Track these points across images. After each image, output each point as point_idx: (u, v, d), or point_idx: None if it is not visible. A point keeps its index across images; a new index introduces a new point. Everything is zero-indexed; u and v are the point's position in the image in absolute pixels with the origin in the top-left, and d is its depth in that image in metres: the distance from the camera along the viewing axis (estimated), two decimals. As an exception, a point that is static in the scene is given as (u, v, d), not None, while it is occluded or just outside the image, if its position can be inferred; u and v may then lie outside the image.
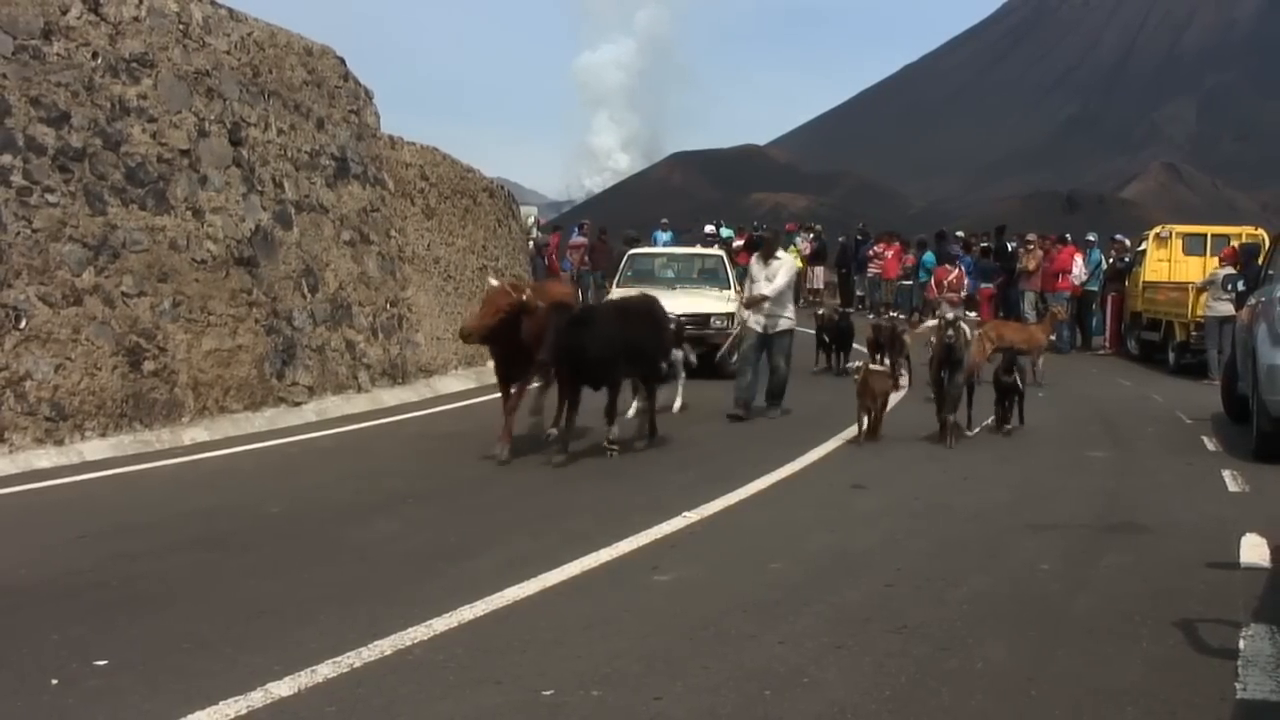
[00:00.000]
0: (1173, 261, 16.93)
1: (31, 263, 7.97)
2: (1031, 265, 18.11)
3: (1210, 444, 9.41)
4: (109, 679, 3.76)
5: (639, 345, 8.32)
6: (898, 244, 23.10)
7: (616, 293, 14.59)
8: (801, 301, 25.59)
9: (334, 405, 10.70)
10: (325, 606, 4.56)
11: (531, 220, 21.15)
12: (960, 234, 22.26)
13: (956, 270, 16.27)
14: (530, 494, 6.97)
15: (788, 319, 10.31)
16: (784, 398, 10.31)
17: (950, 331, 8.81)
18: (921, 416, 9.68)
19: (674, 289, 14.77)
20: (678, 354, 9.59)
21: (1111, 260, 18.54)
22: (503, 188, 17.92)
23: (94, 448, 8.07)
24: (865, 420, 8.85)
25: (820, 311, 14.88)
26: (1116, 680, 3.87)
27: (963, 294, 15.82)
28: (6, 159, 7.91)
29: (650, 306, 8.94)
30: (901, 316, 13.27)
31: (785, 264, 10.29)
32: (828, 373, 14.06)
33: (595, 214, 50.05)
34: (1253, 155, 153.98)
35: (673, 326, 9.82)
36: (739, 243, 25.09)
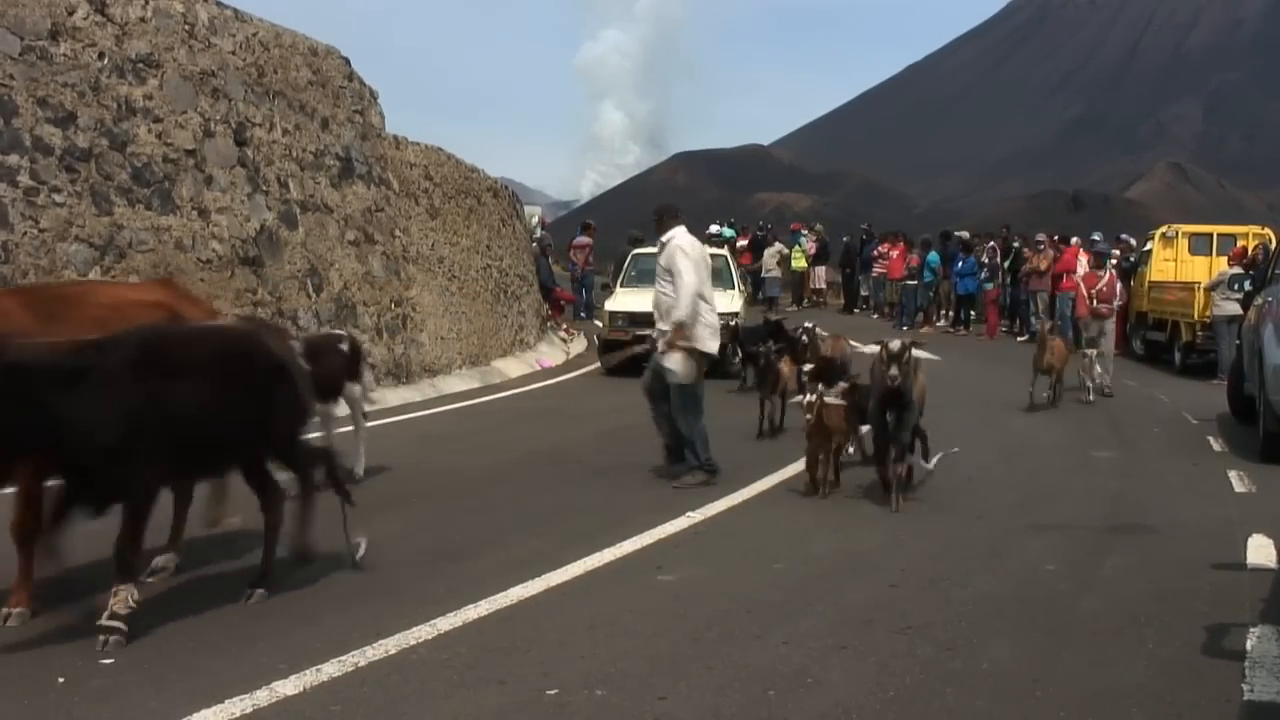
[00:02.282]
0: (1179, 261, 16.88)
1: (38, 262, 7.99)
2: (1043, 266, 18.06)
3: (1216, 444, 9.38)
4: (115, 677, 3.77)
5: (208, 421, 4.29)
6: (902, 244, 23.07)
7: (620, 293, 14.61)
8: (805, 302, 25.65)
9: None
10: (330, 606, 4.56)
11: (535, 220, 21.15)
12: (964, 235, 22.14)
13: (1108, 275, 13.45)
14: (534, 494, 6.96)
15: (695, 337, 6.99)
16: (701, 454, 7.11)
17: (894, 371, 6.38)
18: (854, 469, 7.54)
19: None
20: (355, 388, 6.96)
21: (1116, 260, 18.49)
22: (507, 188, 17.93)
23: (100, 447, 8.08)
24: (821, 467, 6.87)
25: (730, 323, 11.33)
26: (1122, 681, 3.86)
27: (1116, 304, 13.38)
28: (14, 159, 7.93)
29: (245, 344, 4.69)
30: (819, 331, 9.82)
31: (683, 250, 7.01)
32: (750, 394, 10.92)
33: (599, 213, 50.09)
34: (1259, 155, 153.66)
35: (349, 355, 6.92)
36: (742, 243, 25.11)
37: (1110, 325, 13.18)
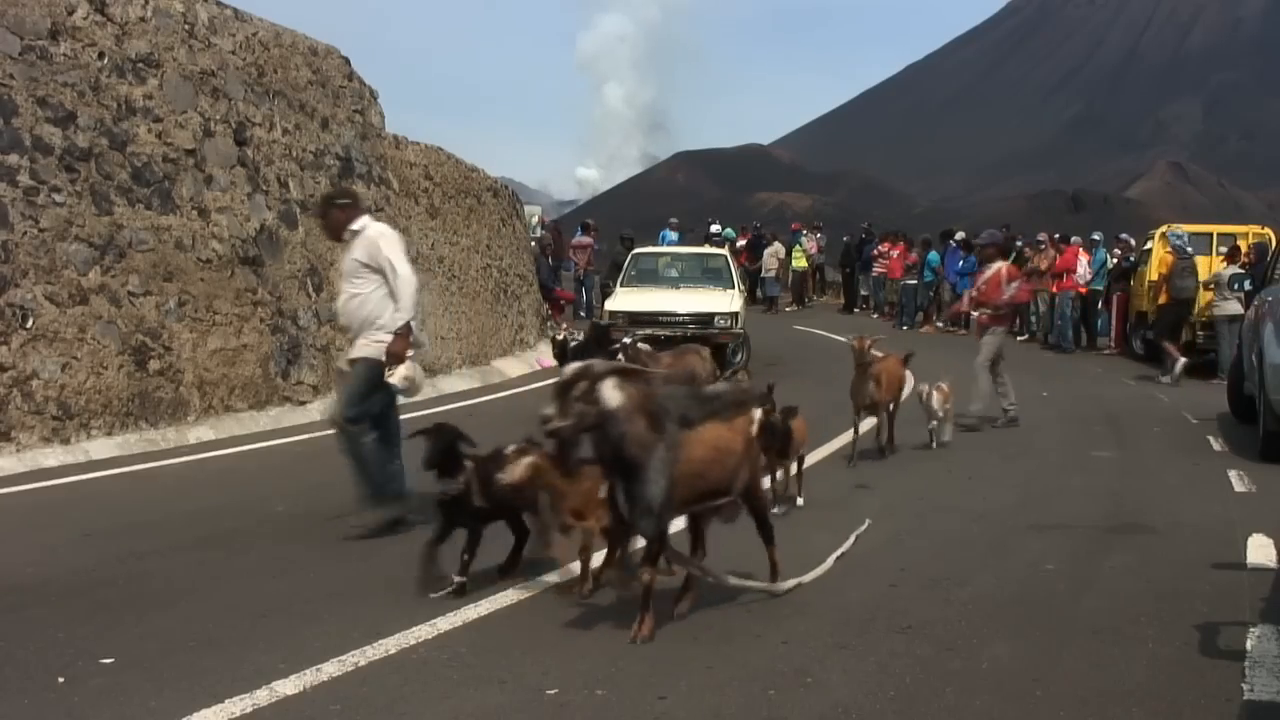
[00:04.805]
0: (1179, 261, 16.87)
1: (38, 262, 7.99)
2: (1044, 265, 18.10)
3: (1216, 444, 9.38)
4: (115, 677, 3.77)
5: None
6: (902, 244, 23.09)
7: (620, 293, 14.62)
8: (808, 300, 25.65)
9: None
10: (330, 605, 4.56)
11: (535, 220, 21.17)
12: (960, 236, 22.09)
13: (991, 270, 10.11)
14: (535, 493, 6.95)
15: (367, 342, 5.89)
16: (374, 485, 5.90)
17: (547, 413, 3.99)
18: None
19: (678, 288, 14.82)
20: None
21: (1116, 260, 18.53)
22: (506, 187, 17.94)
23: (100, 446, 8.09)
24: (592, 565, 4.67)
25: (559, 335, 8.72)
26: (1122, 681, 3.86)
27: (1004, 304, 9.97)
28: (13, 159, 7.93)
29: None
30: (638, 343, 7.73)
31: (390, 239, 5.94)
32: None
33: (599, 213, 50.10)
34: (1259, 154, 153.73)
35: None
36: (741, 242, 25.11)
37: (992, 340, 9.81)
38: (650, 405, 4.12)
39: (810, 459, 8.05)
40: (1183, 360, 13.75)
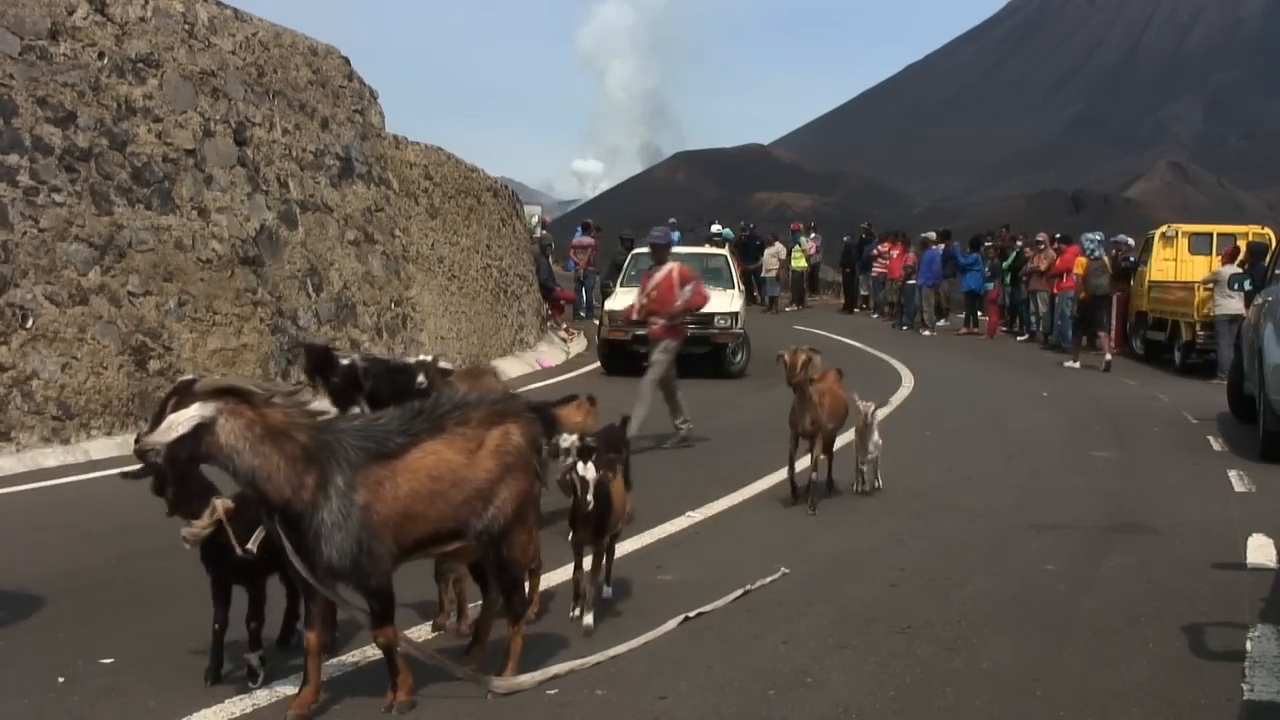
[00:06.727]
0: (1179, 261, 16.90)
1: (38, 262, 8.00)
2: (1043, 265, 18.10)
3: (1216, 444, 9.38)
4: (115, 677, 3.77)
5: None
6: (902, 244, 23.08)
7: (620, 293, 14.62)
8: (808, 299, 25.63)
9: (339, 404, 10.71)
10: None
11: (535, 220, 21.16)
12: (930, 234, 21.93)
13: (667, 269, 8.61)
14: (535, 493, 6.94)
15: None
16: None
17: (139, 434, 3.49)
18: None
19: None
20: None
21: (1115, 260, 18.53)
22: (507, 187, 17.94)
23: (100, 446, 8.09)
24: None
25: (350, 360, 6.11)
26: (1122, 681, 3.86)
27: (679, 312, 8.49)
28: (13, 159, 7.94)
29: None
30: (445, 365, 6.03)
31: None
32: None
33: (600, 213, 50.13)
34: (1259, 154, 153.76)
35: None
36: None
37: (664, 358, 8.45)
38: (297, 431, 3.27)
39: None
40: (1107, 355, 15.33)
